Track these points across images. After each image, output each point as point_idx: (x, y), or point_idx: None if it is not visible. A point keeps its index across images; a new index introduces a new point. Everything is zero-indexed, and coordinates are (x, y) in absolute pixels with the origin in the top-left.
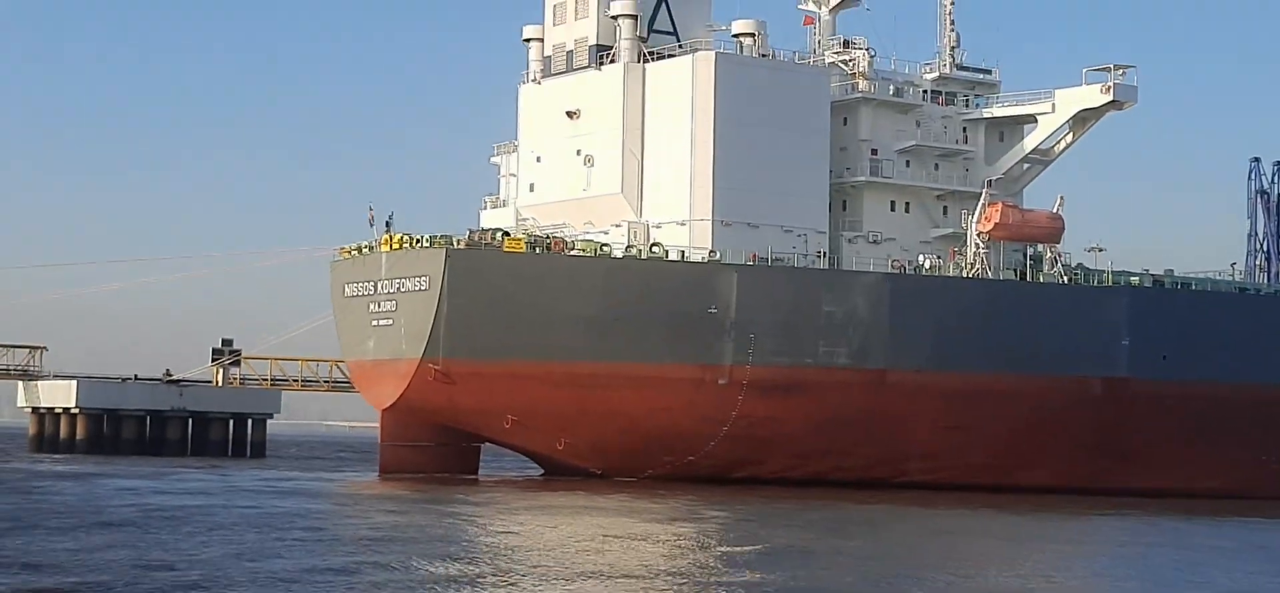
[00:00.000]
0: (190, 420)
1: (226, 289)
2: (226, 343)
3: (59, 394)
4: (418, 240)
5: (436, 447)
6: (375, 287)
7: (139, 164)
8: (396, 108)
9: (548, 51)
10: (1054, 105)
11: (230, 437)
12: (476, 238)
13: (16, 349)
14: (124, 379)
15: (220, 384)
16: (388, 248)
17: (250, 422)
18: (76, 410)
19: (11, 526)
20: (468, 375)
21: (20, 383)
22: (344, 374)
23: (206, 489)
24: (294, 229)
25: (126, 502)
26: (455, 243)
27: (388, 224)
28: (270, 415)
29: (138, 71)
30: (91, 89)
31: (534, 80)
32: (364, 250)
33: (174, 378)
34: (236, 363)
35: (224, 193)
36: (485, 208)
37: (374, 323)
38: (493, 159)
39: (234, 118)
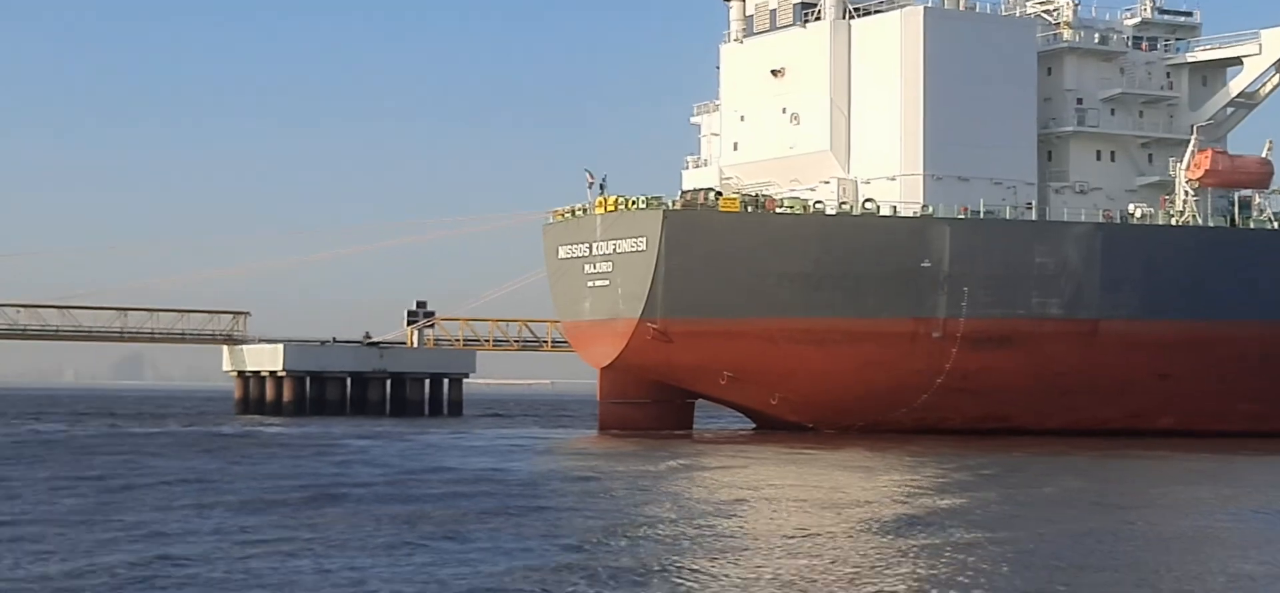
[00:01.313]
0: (389, 381)
1: (421, 254)
2: (421, 306)
3: (265, 358)
4: (632, 202)
5: (653, 404)
6: (590, 248)
7: (338, 134)
8: (594, 71)
9: (749, 11)
10: (1260, 46)
11: (426, 397)
12: (691, 198)
13: (221, 315)
14: (323, 342)
15: (415, 346)
16: (602, 210)
17: (446, 382)
18: (283, 373)
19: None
20: (685, 334)
21: (225, 347)
22: (533, 334)
23: (491, 448)
24: (485, 196)
25: (453, 462)
26: (671, 204)
27: (602, 187)
28: (466, 375)
29: (342, 43)
30: (295, 60)
31: (736, 40)
32: (577, 213)
33: (374, 341)
34: (430, 325)
35: (419, 161)
36: (687, 168)
37: (589, 284)
38: (693, 119)
39: (429, 88)
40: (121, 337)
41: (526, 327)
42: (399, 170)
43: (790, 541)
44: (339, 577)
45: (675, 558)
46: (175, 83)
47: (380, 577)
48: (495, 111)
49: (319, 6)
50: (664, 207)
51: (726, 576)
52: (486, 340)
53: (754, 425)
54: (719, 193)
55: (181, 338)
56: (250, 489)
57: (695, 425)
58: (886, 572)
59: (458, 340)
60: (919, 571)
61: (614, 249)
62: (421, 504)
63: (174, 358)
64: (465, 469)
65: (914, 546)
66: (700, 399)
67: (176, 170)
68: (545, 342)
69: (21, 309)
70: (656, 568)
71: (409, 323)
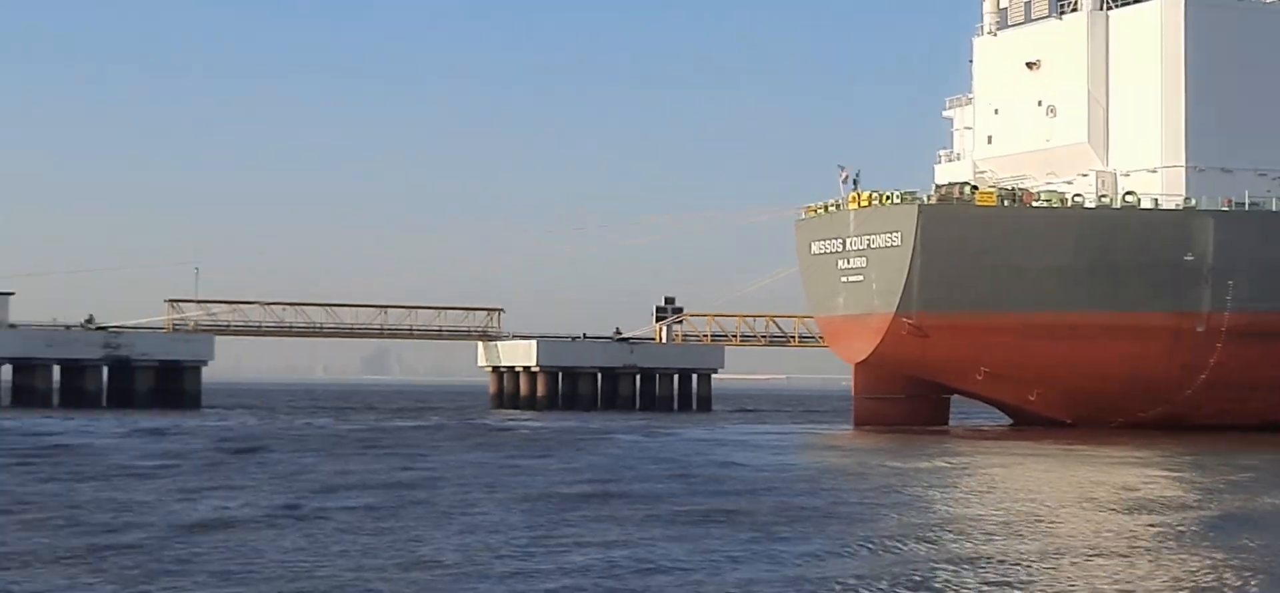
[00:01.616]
0: (638, 376)
1: (670, 250)
2: (669, 301)
3: (519, 353)
4: (887, 197)
5: (908, 399)
6: (844, 244)
7: (590, 131)
8: (843, 65)
9: (1003, 3)
10: None
11: (675, 391)
12: (947, 192)
13: (476, 312)
14: (574, 338)
15: (663, 341)
16: (856, 205)
17: (695, 377)
18: (536, 369)
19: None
20: (941, 329)
21: (480, 343)
22: (780, 330)
23: (756, 443)
24: (733, 193)
25: (722, 456)
26: (926, 198)
27: (855, 182)
28: (714, 371)
29: (595, 38)
30: (544, 50)
31: (989, 32)
32: (830, 208)
33: (624, 336)
34: (679, 321)
35: (670, 157)
36: (939, 162)
37: (843, 279)
38: (945, 113)
39: (678, 83)
40: (381, 334)
41: (774, 322)
42: (649, 167)
43: (1106, 540)
44: (665, 576)
45: (1000, 559)
46: (433, 76)
47: (703, 573)
48: (745, 107)
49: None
50: (919, 201)
51: (1066, 578)
52: (733, 336)
53: (1010, 421)
54: (975, 187)
55: (439, 334)
56: (541, 482)
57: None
58: (1230, 579)
59: (705, 336)
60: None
61: (868, 244)
62: (712, 500)
63: (420, 353)
64: (743, 464)
65: (1252, 546)
66: (955, 394)
67: (430, 169)
68: (792, 337)
69: (288, 308)
70: (988, 568)
71: (658, 319)
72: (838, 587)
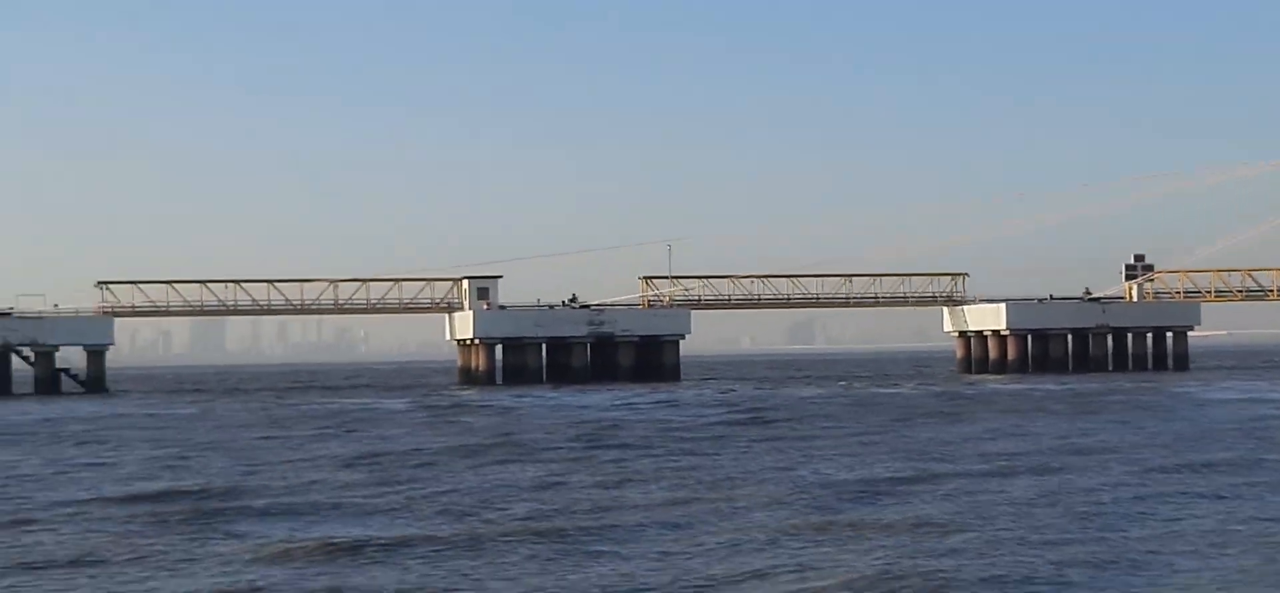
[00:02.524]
0: (1110, 336)
1: (1141, 209)
2: (1139, 259)
3: (987, 317)
4: None
5: None
6: None
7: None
8: None
9: None
10: None
11: (1149, 351)
12: None
13: (940, 277)
14: (1041, 300)
15: (1133, 299)
16: None
17: (1170, 335)
18: (1005, 332)
19: None
20: None
21: (945, 309)
22: (1258, 284)
23: None
24: (1194, 148)
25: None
26: None
27: None
28: (1190, 328)
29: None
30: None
31: None
32: None
33: (1094, 296)
34: (1150, 279)
35: (1131, 116)
36: None
37: None
38: None
39: (1154, 44)
40: (846, 302)
41: (1250, 276)
42: (1117, 129)
43: None
44: None
45: None
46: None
47: None
48: (1215, 57)
49: None
50: None
51: None
52: (1208, 292)
53: None
54: None
55: (904, 301)
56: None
57: None
58: None
59: (1177, 293)
60: None
61: None
62: None
63: (846, 323)
64: None
65: None
66: None
67: (888, 132)
68: (1270, 291)
69: (757, 280)
70: None
71: (1127, 277)
72: None
